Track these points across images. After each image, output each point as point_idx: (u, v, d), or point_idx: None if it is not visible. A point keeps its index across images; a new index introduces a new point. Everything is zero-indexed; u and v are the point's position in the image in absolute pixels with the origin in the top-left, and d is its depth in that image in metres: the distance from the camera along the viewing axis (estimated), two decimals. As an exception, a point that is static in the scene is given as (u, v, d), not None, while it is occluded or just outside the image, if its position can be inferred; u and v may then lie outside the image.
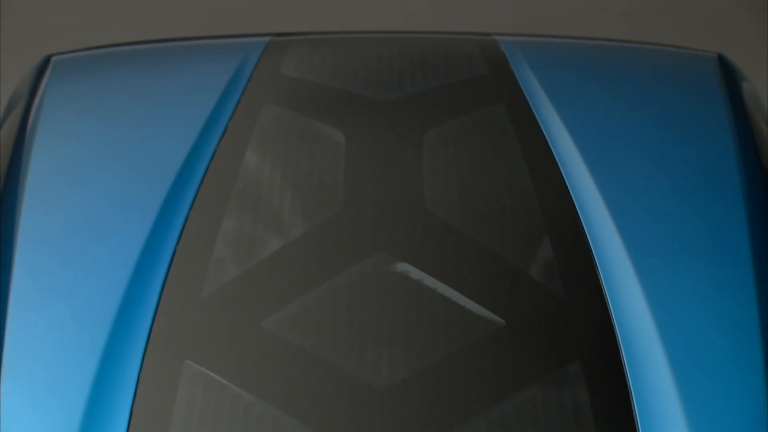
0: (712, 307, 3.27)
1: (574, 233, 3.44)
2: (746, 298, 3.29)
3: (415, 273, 3.32)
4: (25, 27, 7.57)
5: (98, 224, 3.47)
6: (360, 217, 3.46)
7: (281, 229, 3.44)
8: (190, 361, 3.13)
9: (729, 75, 4.14)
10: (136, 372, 3.10)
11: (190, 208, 3.50)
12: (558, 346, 3.16)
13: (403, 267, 3.33)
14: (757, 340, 3.19)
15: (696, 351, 3.17)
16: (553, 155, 3.66)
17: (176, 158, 3.65)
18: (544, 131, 3.75)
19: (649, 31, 7.68)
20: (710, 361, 3.14)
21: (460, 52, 4.10)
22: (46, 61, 4.23)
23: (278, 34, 4.31)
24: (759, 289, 3.32)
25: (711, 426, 3.01)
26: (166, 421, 3.01)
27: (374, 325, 3.20)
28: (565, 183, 3.58)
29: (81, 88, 4.01)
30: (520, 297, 3.27)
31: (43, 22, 7.66)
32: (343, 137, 3.71)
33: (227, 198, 3.52)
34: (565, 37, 4.43)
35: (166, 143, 3.71)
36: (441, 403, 3.03)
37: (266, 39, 4.25)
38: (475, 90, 3.91)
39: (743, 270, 3.37)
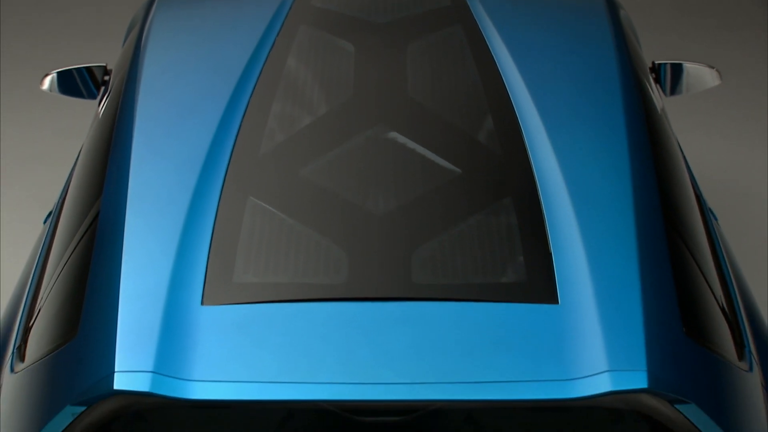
0: (597, 157, 3.29)
1: (507, 110, 3.45)
2: (620, 150, 3.30)
3: (401, 138, 3.33)
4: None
5: (189, 105, 3.47)
6: (364, 102, 3.47)
7: (311, 109, 3.45)
8: (252, 197, 3.16)
9: (611, 4, 4.14)
10: (216, 204, 3.13)
11: (251, 95, 3.51)
12: (496, 187, 3.18)
13: (393, 134, 3.35)
14: (628, 178, 3.21)
15: (586, 186, 3.19)
16: (493, 59, 3.67)
17: (241, 62, 3.65)
18: (487, 43, 3.75)
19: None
20: (597, 192, 3.16)
21: None
22: None
23: None
24: (630, 142, 3.33)
25: (596, 234, 3.04)
26: (236, 236, 3.04)
27: (374, 173, 3.22)
28: (501, 77, 3.59)
29: (177, 15, 4.00)
30: (471, 154, 3.28)
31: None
32: (353, 47, 3.72)
33: (275, 88, 3.53)
34: None
35: (233, 52, 3.71)
36: (419, 225, 3.06)
37: None
38: (441, 16, 3.91)
39: (618, 132, 3.37)
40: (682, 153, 3.84)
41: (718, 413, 2.79)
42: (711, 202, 5.36)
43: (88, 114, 5.95)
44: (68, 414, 2.74)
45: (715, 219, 3.97)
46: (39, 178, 5.50)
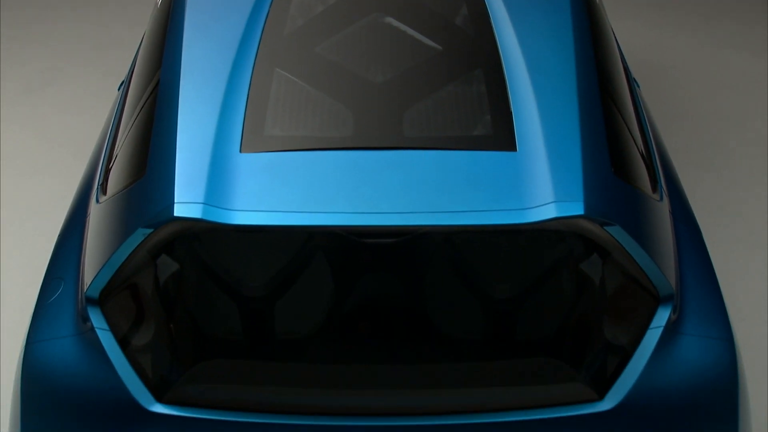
0: (548, 38, 3.25)
1: (482, 6, 3.40)
2: (566, 31, 3.27)
3: (395, 23, 3.29)
4: None
5: (225, 8, 3.42)
6: None
7: (322, 2, 3.40)
8: (278, 69, 3.13)
9: None
10: (250, 74, 3.10)
11: None
12: (469, 61, 3.16)
13: (389, 19, 3.31)
14: (572, 53, 3.19)
15: (539, 60, 3.16)
16: None
17: None
18: None
19: None
20: (547, 64, 3.14)
21: None
22: None
23: None
24: (574, 25, 3.30)
25: (546, 97, 3.03)
26: (266, 99, 3.02)
27: (374, 50, 3.19)
28: None
29: None
30: (450, 35, 3.25)
31: None
32: None
33: None
34: None
35: None
36: (409, 90, 3.03)
37: None
38: None
39: (565, 18, 3.33)
40: (614, 35, 3.80)
41: (637, 232, 2.81)
42: (635, 73, 5.35)
43: (149, 6, 5.88)
44: (139, 235, 2.76)
45: (638, 87, 3.96)
46: (114, 56, 5.48)
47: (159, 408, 2.75)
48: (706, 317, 2.91)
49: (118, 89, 3.99)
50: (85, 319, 2.86)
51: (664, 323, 2.83)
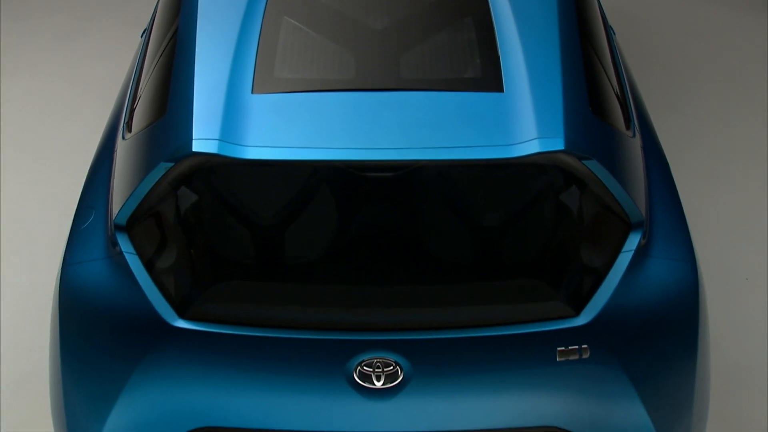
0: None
1: None
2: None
3: None
4: None
5: None
6: None
7: None
8: (287, 17, 3.11)
9: None
10: (260, 22, 3.07)
11: None
12: (461, 10, 3.11)
13: None
14: (555, 3, 3.16)
15: (525, 9, 3.13)
16: None
17: None
18: None
19: None
20: (532, 13, 3.11)
21: None
22: None
23: None
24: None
25: (530, 42, 3.00)
26: (275, 44, 3.00)
27: (373, 7, 3.17)
28: None
29: None
30: None
31: None
32: None
33: None
34: None
35: None
36: (406, 36, 3.01)
37: None
38: None
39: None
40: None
41: (612, 166, 2.82)
42: (611, 21, 5.32)
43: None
44: (161, 168, 2.77)
45: (614, 34, 3.93)
46: (137, 6, 5.45)
47: (181, 323, 2.78)
48: (672, 242, 2.93)
49: (141, 37, 3.97)
50: (114, 243, 2.88)
51: (634, 247, 2.85)
